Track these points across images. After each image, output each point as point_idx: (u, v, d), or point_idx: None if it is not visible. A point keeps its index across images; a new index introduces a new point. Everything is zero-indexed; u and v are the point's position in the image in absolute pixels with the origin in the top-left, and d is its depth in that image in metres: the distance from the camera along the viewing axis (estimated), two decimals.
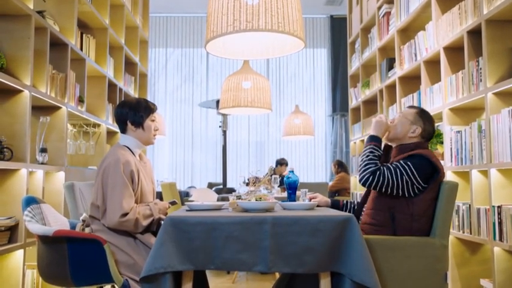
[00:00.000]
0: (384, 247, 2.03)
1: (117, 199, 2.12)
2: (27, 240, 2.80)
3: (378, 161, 2.21)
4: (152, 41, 8.24)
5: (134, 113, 2.33)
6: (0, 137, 2.68)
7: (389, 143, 2.41)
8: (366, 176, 2.17)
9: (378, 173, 2.14)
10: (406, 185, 2.11)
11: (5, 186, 2.77)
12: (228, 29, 2.12)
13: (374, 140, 2.28)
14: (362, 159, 2.24)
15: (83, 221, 2.29)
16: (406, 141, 2.30)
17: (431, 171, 2.14)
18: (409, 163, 2.13)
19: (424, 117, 2.34)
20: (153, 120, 2.38)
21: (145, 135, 2.36)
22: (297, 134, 5.80)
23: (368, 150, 2.24)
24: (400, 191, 2.13)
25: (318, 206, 2.43)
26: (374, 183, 2.15)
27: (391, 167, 2.15)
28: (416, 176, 2.11)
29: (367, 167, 2.19)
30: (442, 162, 3.35)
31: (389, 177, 2.12)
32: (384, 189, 2.14)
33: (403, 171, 2.11)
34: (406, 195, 2.13)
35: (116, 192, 2.12)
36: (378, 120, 2.32)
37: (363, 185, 2.20)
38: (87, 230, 2.25)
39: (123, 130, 2.38)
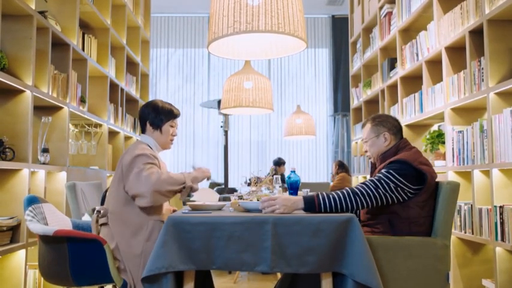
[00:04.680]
0: (386, 247, 2.02)
1: (145, 175, 2.13)
2: (29, 240, 2.80)
3: (337, 192, 2.04)
4: (154, 41, 8.25)
5: (155, 115, 2.36)
6: (2, 137, 2.69)
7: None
8: (354, 208, 2.04)
9: (350, 197, 2.02)
10: (396, 191, 2.06)
11: (7, 186, 2.78)
12: (228, 30, 2.12)
13: (308, 205, 2.01)
14: (335, 206, 2.02)
15: (98, 211, 2.22)
16: (385, 150, 2.28)
17: (416, 174, 2.09)
18: (391, 171, 2.07)
19: (379, 120, 2.31)
20: (172, 126, 2.41)
21: (162, 138, 2.39)
22: (299, 134, 5.80)
23: (323, 205, 2.01)
24: (390, 199, 2.07)
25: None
26: (361, 206, 2.04)
27: (374, 181, 2.07)
28: (403, 180, 2.06)
29: (342, 205, 2.01)
30: (443, 162, 3.34)
31: (373, 192, 2.03)
32: (376, 204, 2.06)
33: (388, 181, 2.05)
34: (401, 200, 2.09)
35: (142, 174, 2.14)
36: (281, 201, 2.00)
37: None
38: (101, 220, 2.22)
39: (143, 130, 2.42)
